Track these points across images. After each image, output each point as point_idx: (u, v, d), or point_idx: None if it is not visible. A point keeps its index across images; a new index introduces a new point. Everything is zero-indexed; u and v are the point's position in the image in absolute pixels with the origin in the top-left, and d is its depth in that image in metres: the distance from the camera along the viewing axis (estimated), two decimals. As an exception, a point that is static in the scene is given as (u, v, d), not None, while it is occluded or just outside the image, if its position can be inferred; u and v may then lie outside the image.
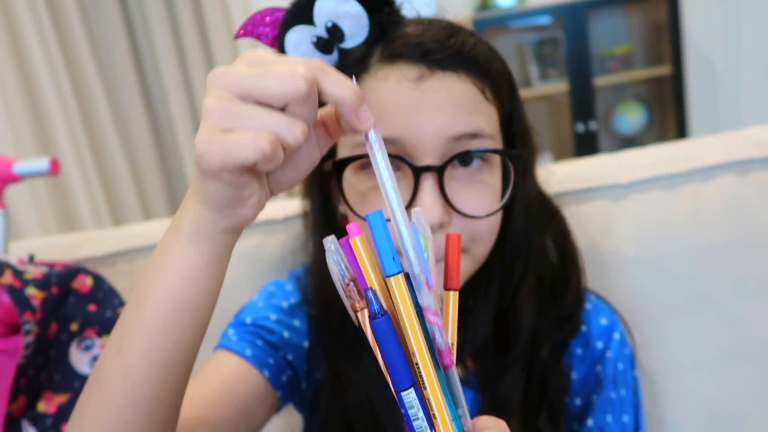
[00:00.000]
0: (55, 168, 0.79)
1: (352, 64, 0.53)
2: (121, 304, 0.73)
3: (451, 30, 0.53)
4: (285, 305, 0.66)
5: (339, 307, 0.61)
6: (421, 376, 0.35)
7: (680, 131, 2.55)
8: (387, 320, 0.35)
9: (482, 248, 0.55)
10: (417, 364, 0.35)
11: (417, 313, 0.35)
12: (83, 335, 0.70)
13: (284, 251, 0.80)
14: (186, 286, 0.38)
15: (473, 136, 0.51)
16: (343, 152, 0.55)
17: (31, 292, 0.64)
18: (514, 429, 0.52)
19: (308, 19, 0.51)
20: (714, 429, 0.73)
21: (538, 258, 0.60)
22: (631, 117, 2.68)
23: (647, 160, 0.80)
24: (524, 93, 2.62)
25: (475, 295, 0.59)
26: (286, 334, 0.63)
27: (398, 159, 0.50)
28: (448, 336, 0.37)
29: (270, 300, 0.66)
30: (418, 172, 0.50)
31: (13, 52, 2.14)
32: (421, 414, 0.35)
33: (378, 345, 0.35)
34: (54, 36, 2.24)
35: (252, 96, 0.34)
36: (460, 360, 0.61)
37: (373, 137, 0.36)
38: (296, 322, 0.65)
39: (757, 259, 0.73)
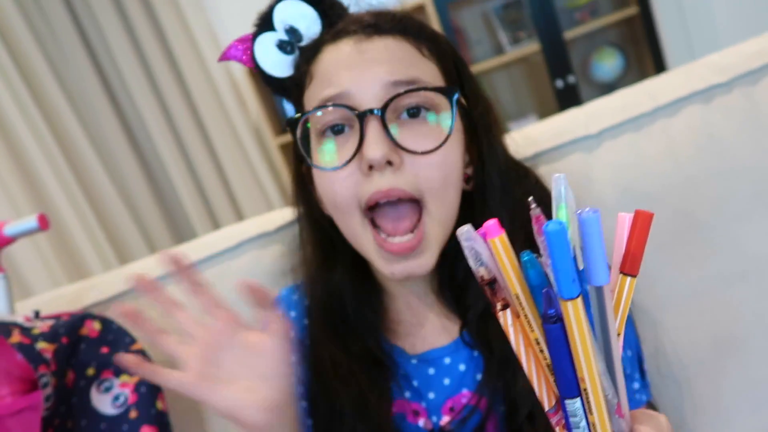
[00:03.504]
0: (44, 223, 0.81)
1: (307, 52, 0.62)
2: (132, 342, 0.75)
3: (384, 8, 0.61)
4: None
5: (328, 294, 0.65)
6: (588, 401, 0.36)
7: (659, 68, 2.54)
8: (562, 327, 0.34)
9: (439, 204, 0.57)
10: (585, 389, 0.35)
11: (592, 343, 0.35)
12: (101, 378, 0.72)
13: (282, 261, 0.81)
14: None
15: (411, 83, 0.56)
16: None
17: (42, 345, 0.66)
18: (522, 381, 0.54)
19: (270, 27, 0.63)
20: (719, 353, 0.74)
21: (522, 210, 0.62)
22: (608, 63, 2.67)
23: (614, 106, 0.81)
24: (498, 60, 2.62)
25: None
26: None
27: (343, 107, 0.56)
28: (616, 324, 0.36)
29: None
30: (362, 116, 0.55)
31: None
32: (583, 423, 0.37)
33: (549, 348, 0.36)
34: (29, 97, 2.27)
35: None
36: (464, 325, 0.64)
37: None
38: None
39: (733, 181, 0.74)
